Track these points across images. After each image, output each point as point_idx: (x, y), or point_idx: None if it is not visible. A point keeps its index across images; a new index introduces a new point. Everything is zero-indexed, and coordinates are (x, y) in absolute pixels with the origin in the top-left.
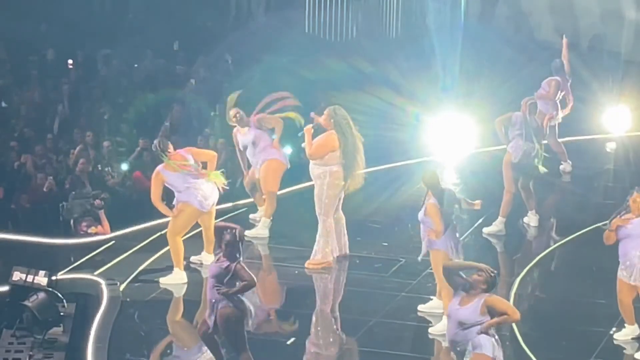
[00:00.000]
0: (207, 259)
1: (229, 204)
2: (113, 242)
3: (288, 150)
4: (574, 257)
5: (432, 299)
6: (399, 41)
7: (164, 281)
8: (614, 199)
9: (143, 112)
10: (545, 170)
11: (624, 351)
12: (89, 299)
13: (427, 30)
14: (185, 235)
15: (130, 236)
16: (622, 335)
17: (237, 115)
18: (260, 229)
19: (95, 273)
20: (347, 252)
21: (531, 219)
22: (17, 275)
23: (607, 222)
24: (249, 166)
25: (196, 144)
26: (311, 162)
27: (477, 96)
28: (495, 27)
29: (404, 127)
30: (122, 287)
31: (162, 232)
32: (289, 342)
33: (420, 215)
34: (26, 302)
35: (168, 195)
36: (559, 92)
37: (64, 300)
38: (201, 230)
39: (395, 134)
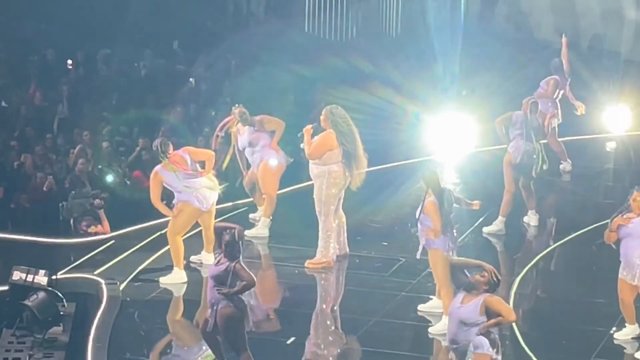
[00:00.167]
0: (207, 258)
1: (229, 204)
2: (113, 241)
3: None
4: (574, 257)
5: (432, 299)
6: (399, 41)
7: (164, 281)
8: (614, 198)
9: (142, 112)
10: (545, 167)
11: (625, 351)
12: (89, 298)
13: (427, 29)
14: (185, 234)
15: (130, 236)
16: (623, 335)
17: (242, 114)
18: (260, 229)
19: (95, 272)
20: (347, 251)
21: (531, 219)
22: (17, 275)
23: (608, 221)
24: (249, 166)
25: (196, 144)
26: (310, 161)
27: (477, 95)
28: (495, 26)
29: (404, 126)
30: (122, 287)
31: (162, 231)
32: (289, 342)
33: (418, 213)
34: (26, 302)
35: (168, 195)
36: (558, 90)
37: (64, 300)
38: (201, 230)
39: (395, 134)
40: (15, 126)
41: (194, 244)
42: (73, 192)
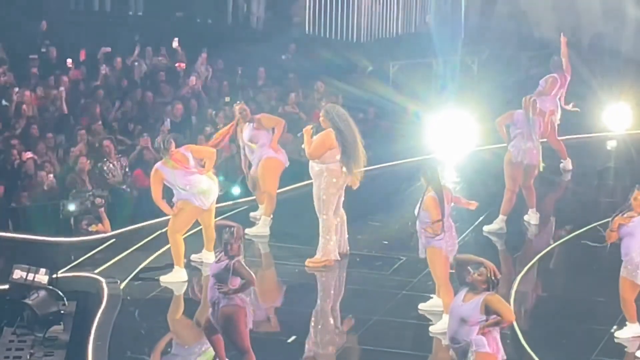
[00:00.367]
0: (208, 257)
1: (229, 202)
2: (113, 240)
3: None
4: (575, 255)
5: (432, 297)
6: (400, 39)
7: (165, 279)
8: (614, 197)
9: (143, 110)
10: (541, 169)
11: (625, 349)
12: (89, 297)
13: (427, 27)
14: (185, 233)
15: (131, 234)
16: (624, 334)
17: (242, 110)
18: (260, 227)
19: (96, 271)
20: (348, 250)
21: (532, 217)
22: (17, 274)
23: (609, 220)
24: (251, 164)
25: (196, 143)
26: (310, 160)
27: (477, 94)
28: (496, 24)
29: (404, 125)
30: (122, 285)
31: (163, 230)
32: (289, 340)
33: (417, 210)
34: (27, 300)
35: (169, 195)
36: (557, 88)
37: (65, 299)
38: (202, 229)
39: (396, 133)
40: (16, 125)
41: (194, 242)
42: (74, 190)
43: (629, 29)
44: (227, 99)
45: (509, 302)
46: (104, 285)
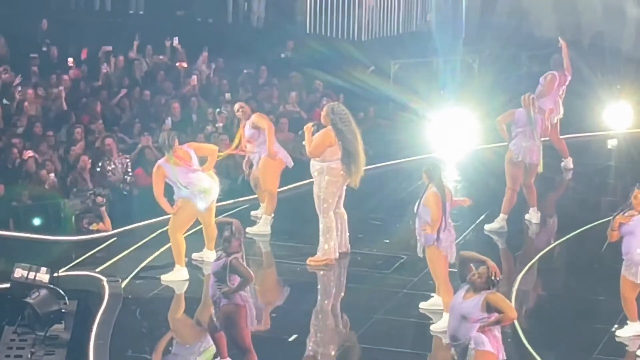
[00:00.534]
0: (209, 255)
1: (230, 201)
2: (114, 239)
3: None
4: (576, 254)
5: (433, 296)
6: (400, 38)
7: (166, 278)
8: (615, 196)
9: (144, 109)
10: (540, 169)
11: (626, 348)
12: (90, 295)
13: (428, 26)
14: (186, 232)
15: (132, 233)
16: (625, 332)
17: (241, 109)
18: (261, 226)
19: (97, 270)
20: (349, 248)
21: (533, 216)
22: (18, 272)
23: (610, 218)
24: (252, 163)
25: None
26: (311, 159)
27: (478, 93)
28: (497, 23)
29: (405, 124)
30: (123, 284)
31: (164, 229)
32: (290, 339)
33: (417, 206)
34: (28, 299)
35: (170, 194)
36: (556, 86)
37: (66, 297)
38: (202, 227)
39: (396, 131)
40: (18, 123)
41: (195, 241)
42: (75, 189)
43: (629, 28)
44: (228, 96)
45: (510, 300)
46: (105, 284)
